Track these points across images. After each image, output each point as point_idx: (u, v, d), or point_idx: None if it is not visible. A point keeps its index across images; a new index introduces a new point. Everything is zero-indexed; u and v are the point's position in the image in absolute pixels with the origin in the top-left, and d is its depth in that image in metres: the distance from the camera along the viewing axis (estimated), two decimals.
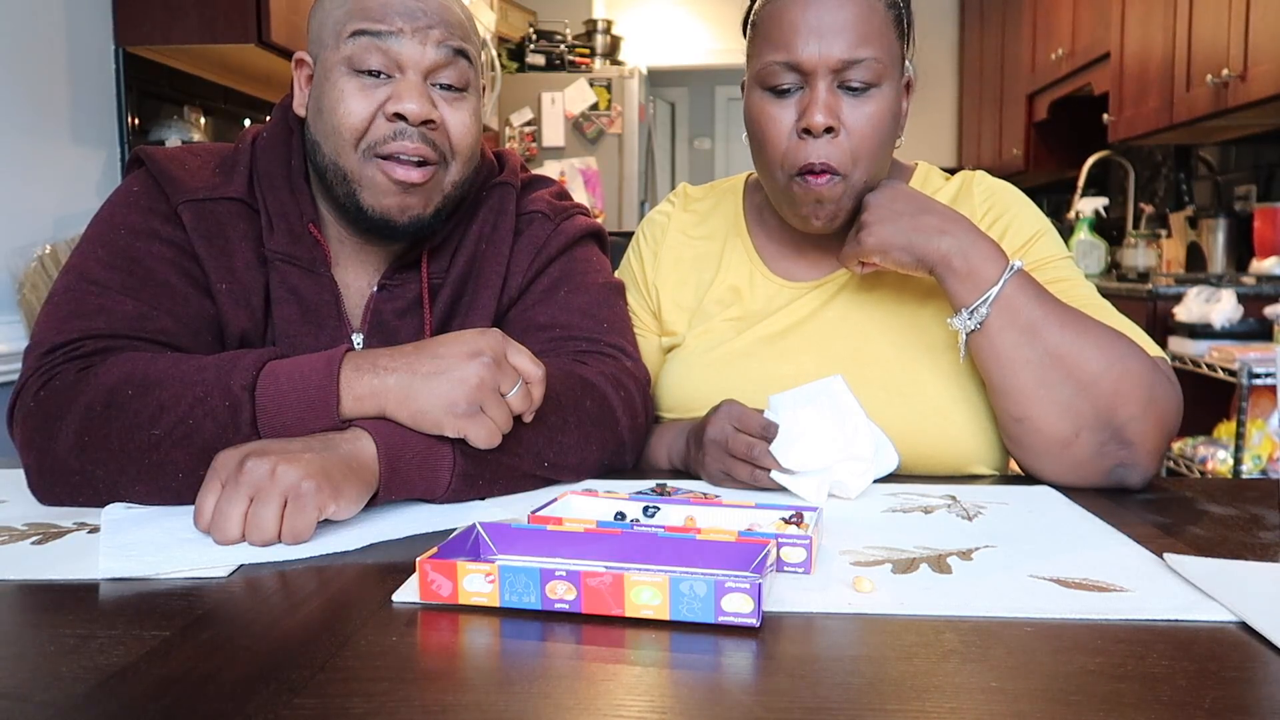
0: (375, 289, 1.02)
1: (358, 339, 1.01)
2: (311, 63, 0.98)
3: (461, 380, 0.81)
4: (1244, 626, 0.58)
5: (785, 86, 0.98)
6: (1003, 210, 1.08)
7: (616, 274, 1.20)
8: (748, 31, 1.05)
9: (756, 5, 1.03)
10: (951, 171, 1.15)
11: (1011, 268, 0.93)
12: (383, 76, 0.93)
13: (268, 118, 1.07)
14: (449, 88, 0.96)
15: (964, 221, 0.95)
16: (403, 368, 0.82)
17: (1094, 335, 0.91)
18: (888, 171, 1.05)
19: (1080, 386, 0.91)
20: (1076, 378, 0.91)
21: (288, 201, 1.00)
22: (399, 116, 0.92)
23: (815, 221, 1.01)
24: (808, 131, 0.97)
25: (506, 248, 1.05)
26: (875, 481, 0.93)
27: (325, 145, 0.95)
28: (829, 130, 0.97)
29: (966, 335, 0.95)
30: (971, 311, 0.93)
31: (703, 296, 1.14)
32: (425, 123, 0.93)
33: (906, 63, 1.03)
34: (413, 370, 0.82)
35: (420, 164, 0.94)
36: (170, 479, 0.82)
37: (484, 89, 1.05)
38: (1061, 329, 0.91)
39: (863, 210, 0.99)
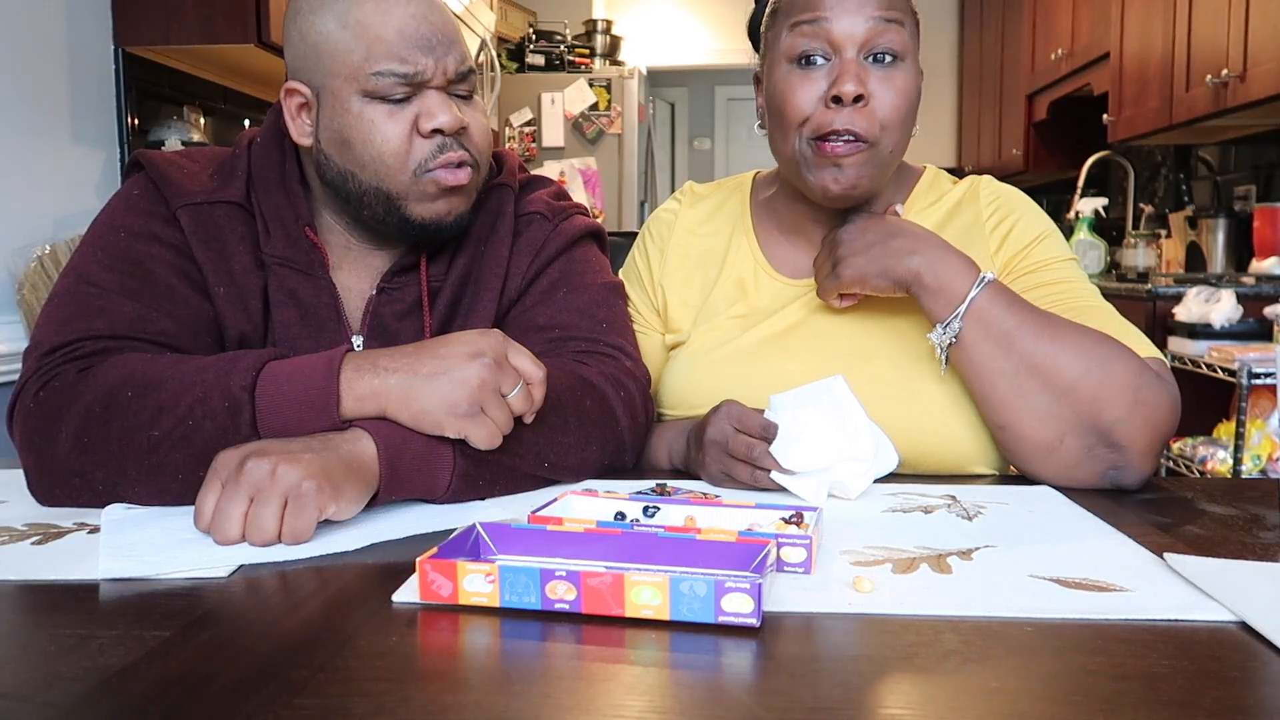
0: (375, 291, 1.02)
1: (358, 341, 1.01)
2: (308, 93, 0.96)
3: (463, 381, 0.81)
4: (1244, 626, 0.58)
5: (814, 57, 0.99)
6: (1007, 212, 1.08)
7: (621, 272, 1.20)
8: (764, 18, 1.05)
9: None
10: (952, 172, 1.16)
11: (982, 280, 0.93)
12: (405, 98, 0.93)
13: (264, 118, 1.06)
14: (462, 96, 0.98)
15: (933, 239, 0.96)
16: (404, 368, 0.82)
17: (1072, 341, 0.92)
18: (905, 150, 1.04)
19: (1059, 393, 0.91)
20: (1054, 385, 0.91)
21: (283, 205, 1.00)
22: (437, 131, 0.93)
23: (834, 187, 1.00)
24: (837, 100, 0.97)
25: (505, 249, 1.05)
26: (875, 481, 0.93)
27: (363, 174, 0.94)
28: (858, 99, 0.97)
29: (945, 349, 0.96)
30: (945, 326, 0.94)
31: (708, 294, 1.14)
32: (458, 130, 0.94)
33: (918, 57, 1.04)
34: (414, 371, 0.82)
35: (460, 166, 0.96)
36: (170, 480, 0.82)
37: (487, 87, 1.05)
38: (1037, 337, 0.92)
39: (834, 246, 1.00)
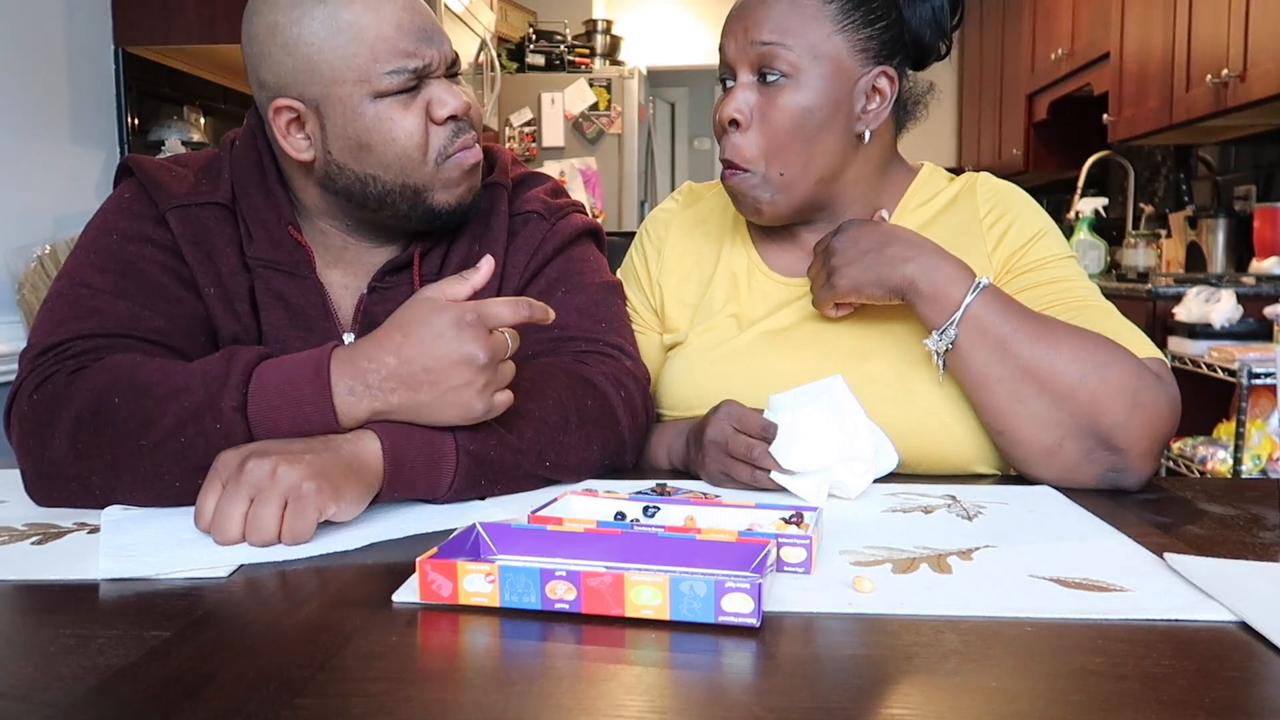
0: (367, 290, 1.02)
1: (349, 339, 1.01)
2: (301, 107, 0.93)
3: (468, 385, 0.81)
4: (1244, 626, 0.58)
5: (722, 78, 1.06)
6: (1005, 210, 1.08)
7: (619, 272, 1.20)
8: None
9: None
10: (955, 172, 1.16)
11: (977, 285, 0.93)
12: (410, 89, 0.94)
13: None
14: (454, 77, 0.99)
15: (929, 245, 0.97)
16: (400, 388, 0.80)
17: (1068, 345, 0.92)
18: (832, 165, 1.04)
19: (1057, 398, 0.91)
20: (1052, 390, 0.91)
21: (264, 207, 0.99)
22: (450, 117, 0.94)
23: (742, 212, 1.07)
24: (721, 125, 1.03)
25: (501, 249, 1.05)
26: (875, 481, 0.93)
27: (387, 174, 0.94)
28: (734, 124, 1.02)
29: (942, 355, 0.96)
30: (941, 332, 0.94)
31: (704, 293, 1.14)
32: (466, 112, 0.96)
33: (869, 58, 1.02)
34: (414, 389, 0.80)
35: (476, 145, 0.98)
36: (166, 487, 0.81)
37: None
38: (1033, 342, 0.92)
39: (828, 256, 1.00)
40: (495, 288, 1.04)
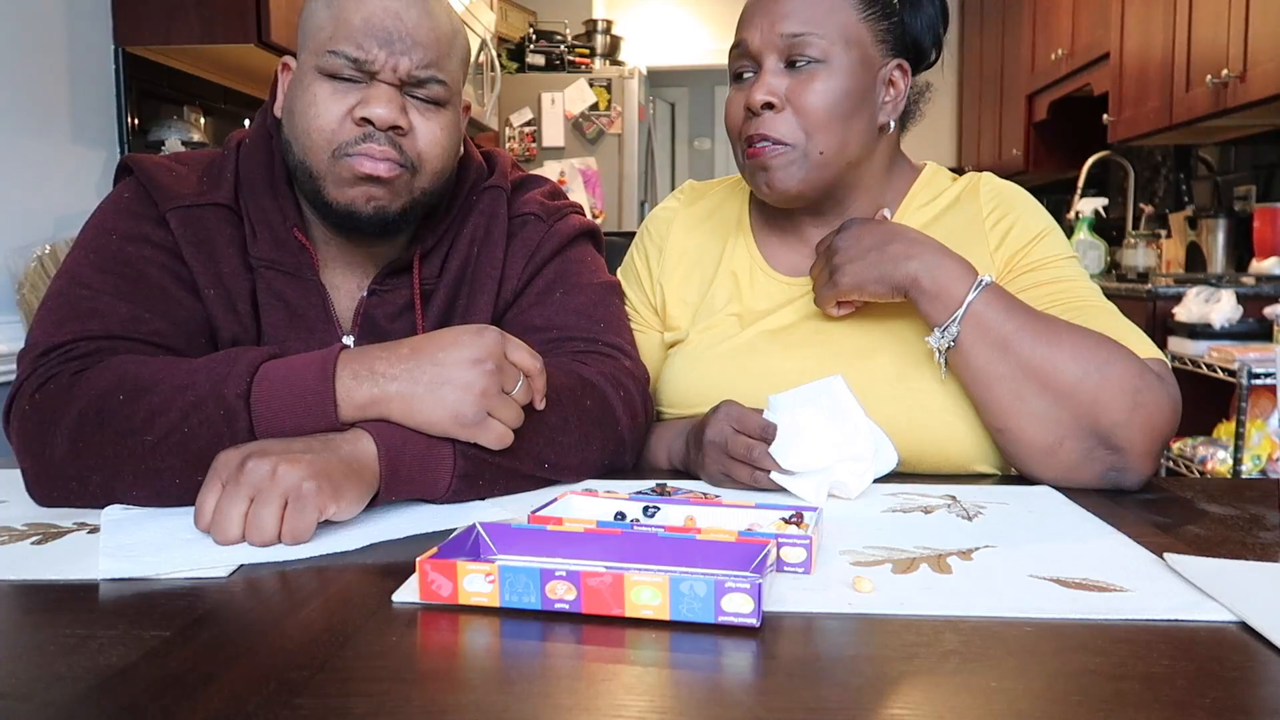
0: (366, 294, 1.02)
1: (349, 341, 1.01)
2: (293, 65, 0.99)
3: (466, 387, 0.81)
4: (1244, 626, 0.58)
5: (740, 71, 1.06)
6: (1007, 210, 1.08)
7: (619, 271, 1.20)
8: None
9: None
10: (956, 172, 1.16)
11: (979, 283, 0.93)
12: (355, 81, 0.93)
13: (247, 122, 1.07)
14: (423, 101, 0.96)
15: (931, 243, 0.97)
16: (403, 375, 0.82)
17: (1070, 344, 0.92)
18: (860, 150, 1.05)
19: (1058, 397, 0.91)
20: (1053, 388, 0.91)
21: (270, 207, 1.00)
22: (366, 121, 0.92)
23: (766, 189, 1.05)
24: (751, 110, 1.03)
25: (500, 251, 1.05)
26: (875, 481, 0.93)
27: (295, 146, 0.95)
28: (769, 106, 1.02)
29: (944, 353, 0.96)
30: (944, 330, 0.94)
31: (706, 292, 1.14)
32: (393, 128, 0.93)
33: (887, 49, 1.05)
34: (414, 379, 0.81)
35: (384, 159, 0.93)
36: (167, 484, 0.81)
37: (466, 106, 1.05)
38: (1034, 341, 0.92)
39: (831, 254, 1.00)
40: (494, 290, 1.04)
